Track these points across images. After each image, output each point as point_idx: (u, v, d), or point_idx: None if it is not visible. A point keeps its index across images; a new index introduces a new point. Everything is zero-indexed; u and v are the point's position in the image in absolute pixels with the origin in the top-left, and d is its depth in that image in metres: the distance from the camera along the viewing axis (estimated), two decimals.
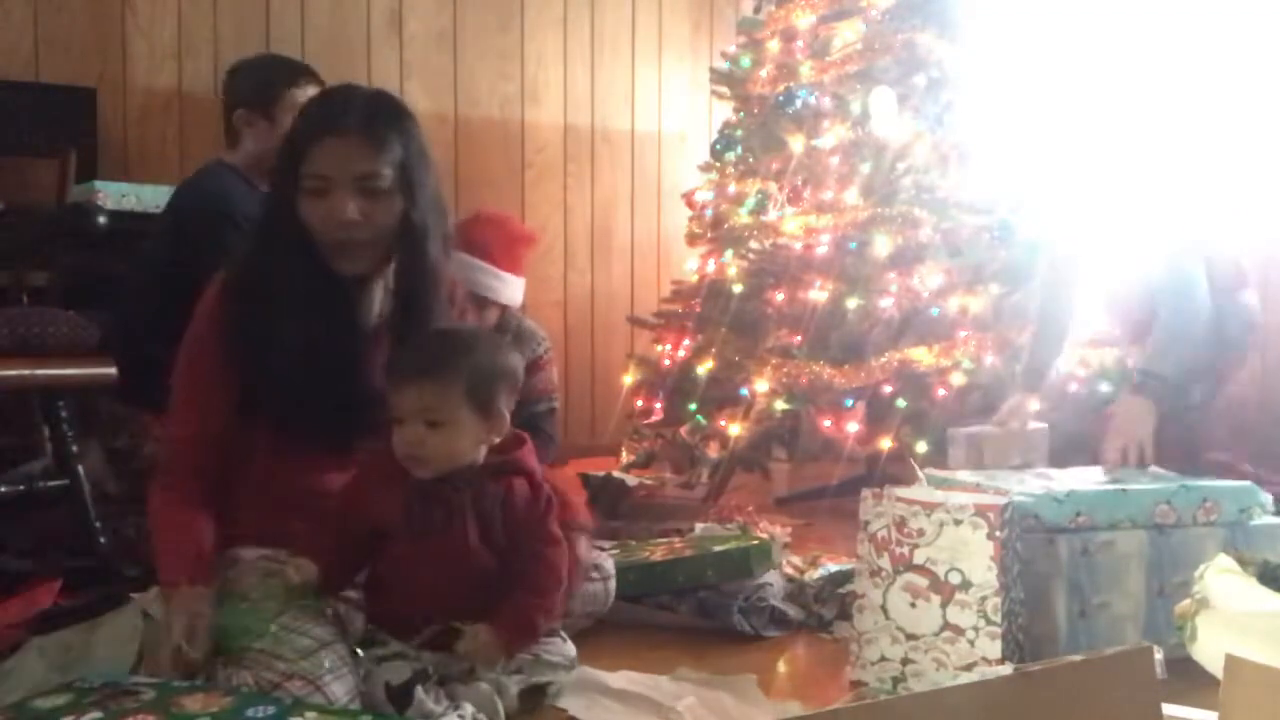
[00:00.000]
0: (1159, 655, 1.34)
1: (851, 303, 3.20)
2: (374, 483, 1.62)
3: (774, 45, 3.66)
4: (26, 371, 2.40)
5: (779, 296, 3.37)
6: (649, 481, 3.52)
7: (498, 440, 1.64)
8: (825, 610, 2.15)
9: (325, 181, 1.63)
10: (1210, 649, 1.52)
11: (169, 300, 2.47)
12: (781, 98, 3.56)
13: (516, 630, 1.58)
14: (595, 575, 1.99)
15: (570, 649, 1.71)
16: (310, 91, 2.54)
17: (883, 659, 1.69)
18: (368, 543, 1.61)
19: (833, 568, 2.32)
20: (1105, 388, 3.12)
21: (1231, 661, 1.11)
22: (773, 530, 2.83)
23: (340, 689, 1.45)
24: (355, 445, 1.71)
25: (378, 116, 1.67)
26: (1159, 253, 2.60)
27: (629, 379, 3.78)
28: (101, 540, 2.42)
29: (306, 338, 1.65)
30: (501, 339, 1.72)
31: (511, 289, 2.84)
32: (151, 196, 3.13)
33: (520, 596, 1.59)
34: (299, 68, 2.66)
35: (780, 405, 3.23)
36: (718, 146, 3.83)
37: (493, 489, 1.62)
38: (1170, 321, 2.51)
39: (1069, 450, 2.67)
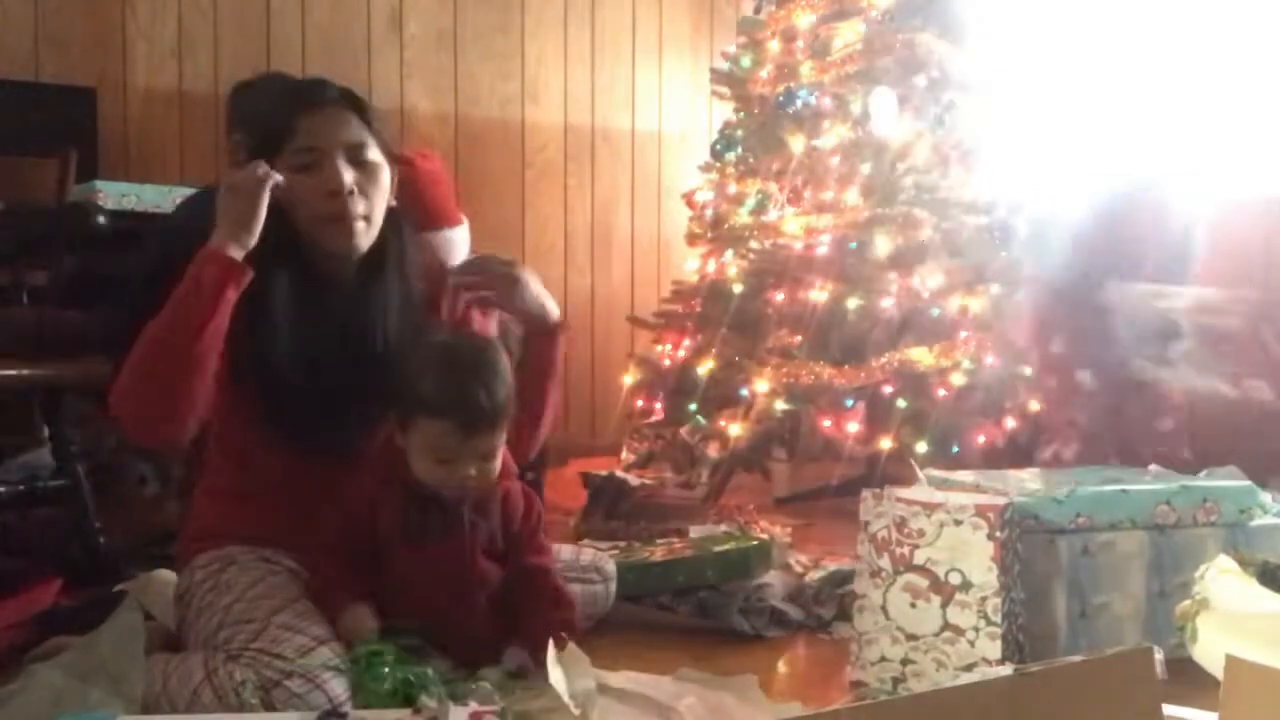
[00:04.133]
0: (1159, 655, 1.34)
1: (851, 303, 3.20)
2: (375, 491, 1.62)
3: (774, 45, 3.66)
4: (26, 371, 2.40)
5: (779, 296, 3.37)
6: (649, 481, 3.52)
7: None
8: (824, 610, 2.15)
9: (315, 154, 1.59)
10: (1210, 649, 1.52)
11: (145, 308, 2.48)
12: (782, 98, 3.55)
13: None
14: (596, 577, 1.99)
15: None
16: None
17: (883, 659, 1.69)
18: (373, 554, 1.61)
19: (832, 567, 2.32)
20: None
21: (1231, 662, 1.11)
22: (773, 530, 2.83)
23: (339, 686, 1.46)
24: (357, 445, 1.69)
25: (357, 96, 1.67)
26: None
27: (629, 379, 3.78)
28: (101, 540, 2.42)
29: (301, 342, 1.62)
30: (494, 343, 1.69)
31: (465, 241, 2.87)
32: (152, 196, 3.13)
33: (546, 611, 1.62)
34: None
35: (780, 405, 3.23)
36: (718, 146, 3.83)
37: (491, 495, 1.62)
38: None
39: (1088, 452, 2.66)
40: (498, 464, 1.62)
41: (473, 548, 1.62)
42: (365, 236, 1.64)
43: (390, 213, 1.68)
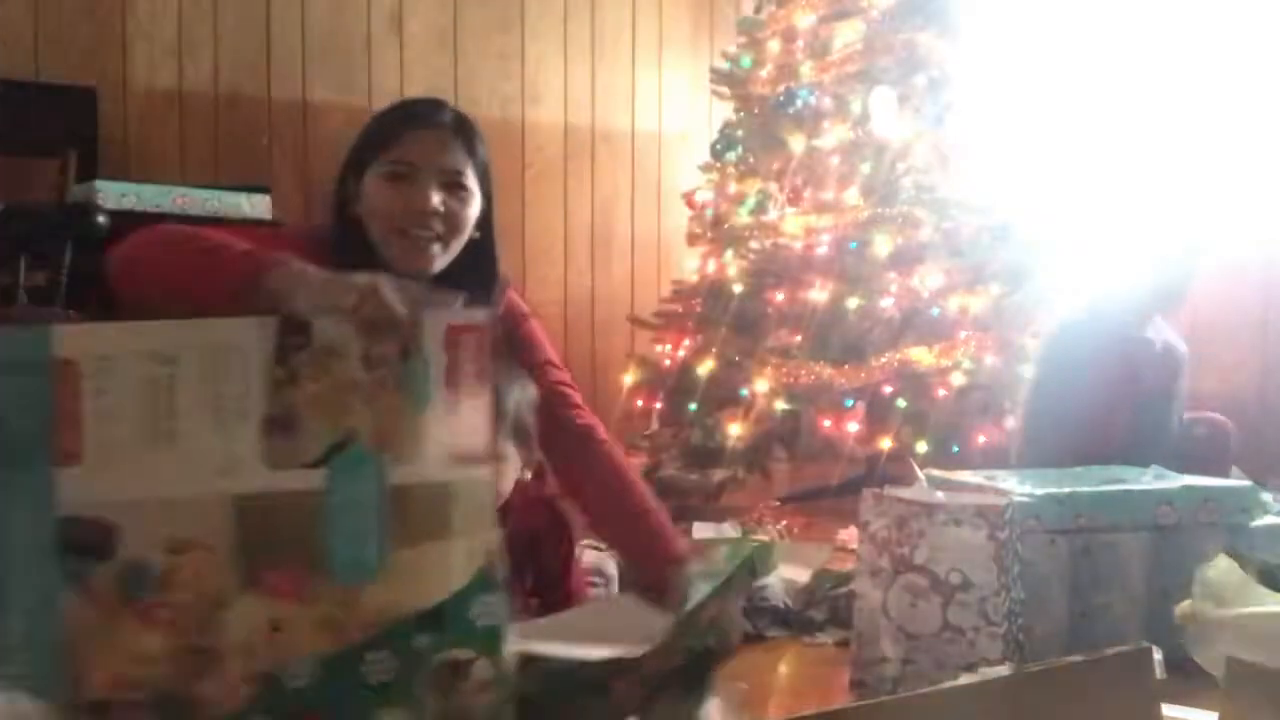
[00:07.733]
0: (1159, 655, 1.34)
1: (851, 303, 3.20)
2: None
3: (774, 45, 3.66)
4: None
5: (779, 296, 3.37)
6: (697, 478, 3.47)
7: (529, 475, 1.63)
8: (815, 613, 2.14)
9: (410, 168, 1.56)
10: (1210, 649, 1.52)
11: None
12: (782, 98, 3.56)
13: None
14: (598, 580, 1.99)
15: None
16: None
17: (883, 659, 1.69)
18: None
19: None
20: None
21: (1232, 662, 1.11)
22: (778, 530, 2.83)
23: None
24: None
25: (468, 123, 1.63)
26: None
27: (629, 379, 3.78)
28: None
29: None
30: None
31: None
32: (152, 196, 3.13)
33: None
34: None
35: (780, 405, 3.23)
36: (718, 146, 3.83)
37: (519, 529, 1.59)
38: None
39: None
40: (501, 478, 1.57)
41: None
42: (439, 259, 1.59)
43: (473, 244, 1.63)
